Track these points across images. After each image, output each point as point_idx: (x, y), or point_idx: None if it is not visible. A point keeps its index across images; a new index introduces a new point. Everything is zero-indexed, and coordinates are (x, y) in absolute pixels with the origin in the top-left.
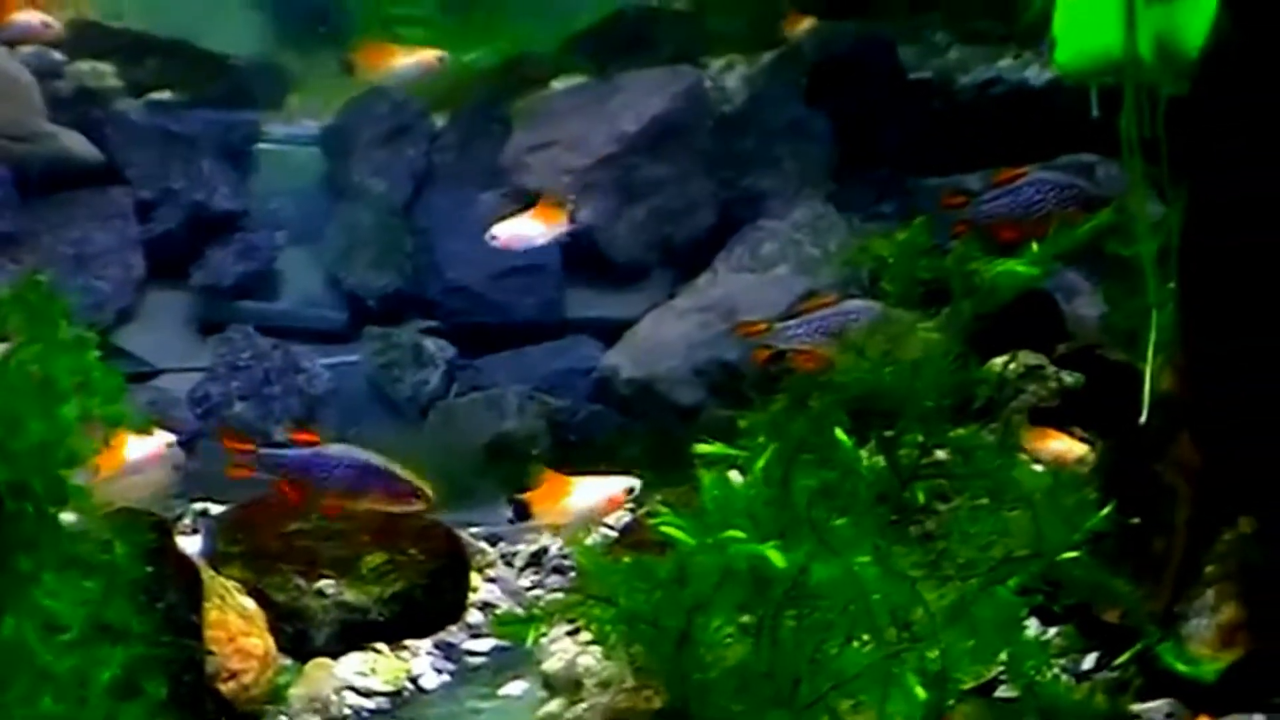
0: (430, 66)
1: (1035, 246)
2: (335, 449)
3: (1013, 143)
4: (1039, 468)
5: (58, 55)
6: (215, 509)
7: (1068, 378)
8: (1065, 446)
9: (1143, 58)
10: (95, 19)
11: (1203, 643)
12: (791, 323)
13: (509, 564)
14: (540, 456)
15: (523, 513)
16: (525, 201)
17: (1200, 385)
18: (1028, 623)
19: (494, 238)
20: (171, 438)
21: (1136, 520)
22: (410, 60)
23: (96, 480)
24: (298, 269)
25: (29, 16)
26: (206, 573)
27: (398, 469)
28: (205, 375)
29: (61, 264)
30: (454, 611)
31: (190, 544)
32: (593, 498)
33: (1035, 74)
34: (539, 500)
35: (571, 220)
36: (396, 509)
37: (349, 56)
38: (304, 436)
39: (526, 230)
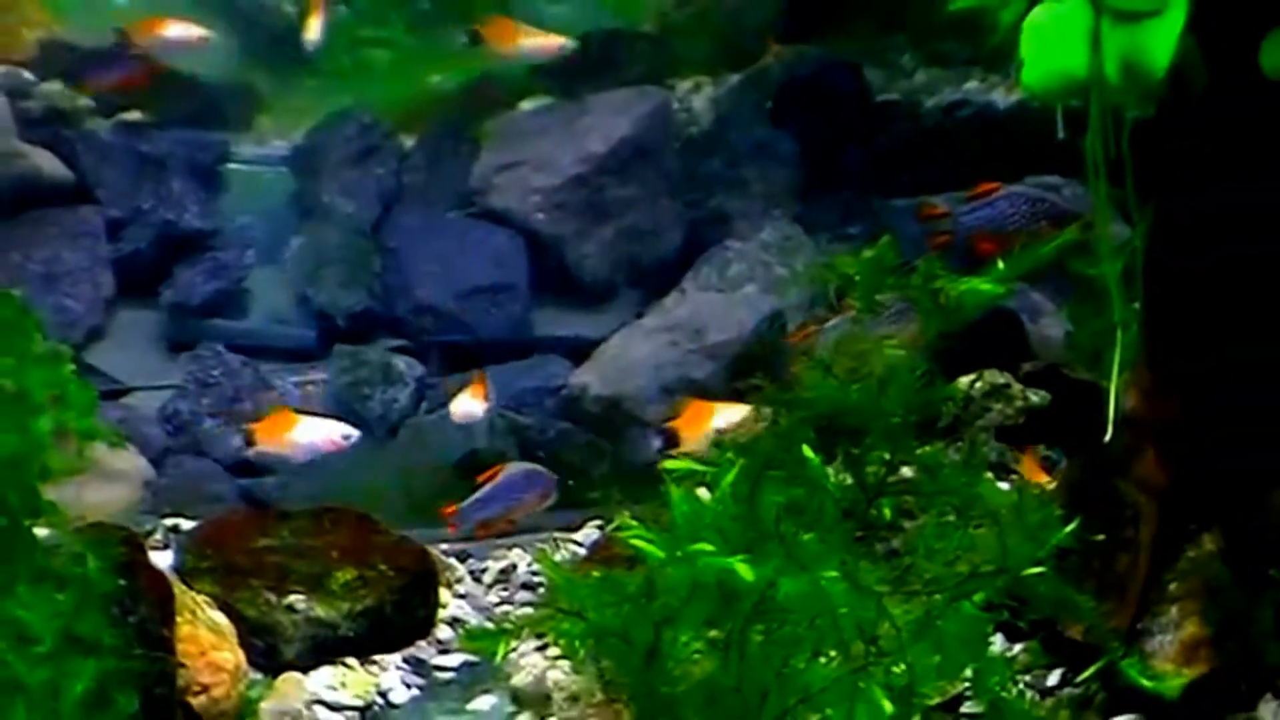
0: (552, 53)
1: (1000, 264)
2: (511, 470)
3: (979, 164)
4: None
5: (28, 75)
6: (186, 524)
7: (1033, 396)
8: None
9: (1108, 79)
10: (66, 39)
11: (1166, 659)
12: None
13: (478, 580)
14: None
15: (672, 440)
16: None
17: (1164, 404)
18: (993, 638)
19: (452, 415)
20: (351, 431)
21: (1101, 537)
22: (535, 43)
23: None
24: (267, 288)
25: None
26: (178, 587)
27: (542, 468)
28: (175, 393)
29: (31, 282)
30: (423, 627)
31: (161, 559)
32: (731, 419)
33: (1001, 96)
34: (684, 426)
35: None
36: (545, 504)
37: (477, 29)
38: (489, 474)
39: (474, 409)
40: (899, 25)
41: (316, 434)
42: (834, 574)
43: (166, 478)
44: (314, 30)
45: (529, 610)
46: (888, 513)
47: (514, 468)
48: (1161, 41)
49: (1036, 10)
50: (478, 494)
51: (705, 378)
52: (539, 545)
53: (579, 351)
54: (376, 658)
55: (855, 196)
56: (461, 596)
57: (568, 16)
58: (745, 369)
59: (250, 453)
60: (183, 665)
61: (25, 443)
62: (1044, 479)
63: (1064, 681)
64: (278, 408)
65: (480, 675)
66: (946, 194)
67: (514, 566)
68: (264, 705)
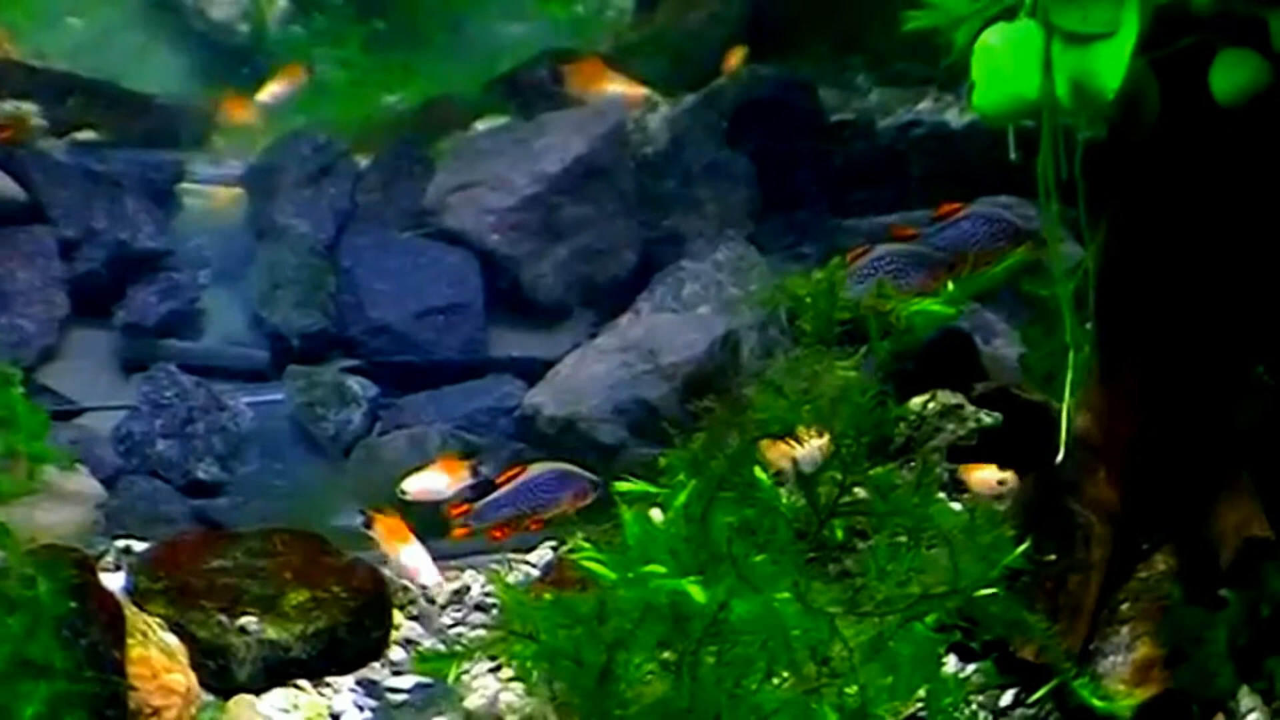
0: (635, 103)
1: (950, 286)
2: (536, 471)
3: (933, 184)
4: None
5: None
6: (138, 546)
7: (986, 417)
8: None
9: (1059, 101)
10: (18, 59)
11: (1118, 679)
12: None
13: (431, 601)
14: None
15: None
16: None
17: (1116, 424)
18: (945, 659)
19: (404, 492)
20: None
21: (1053, 558)
22: (618, 89)
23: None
24: (221, 308)
25: None
26: (129, 609)
27: (577, 469)
28: (128, 413)
29: None
30: (376, 649)
31: (113, 580)
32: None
33: (955, 117)
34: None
35: (475, 473)
36: (580, 505)
37: (562, 67)
38: (510, 473)
39: (434, 484)
40: (854, 46)
41: (417, 564)
42: (786, 595)
43: (119, 499)
44: (269, 94)
45: (482, 632)
46: (840, 534)
47: (542, 468)
48: (1112, 63)
49: (988, 32)
50: (496, 494)
51: (659, 398)
52: (492, 567)
53: (533, 372)
54: (329, 680)
55: (810, 216)
56: (415, 618)
57: (523, 36)
58: (699, 390)
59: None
60: (134, 688)
61: None
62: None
63: (1017, 702)
64: (390, 515)
65: (433, 697)
66: (901, 212)
67: (467, 588)
68: None
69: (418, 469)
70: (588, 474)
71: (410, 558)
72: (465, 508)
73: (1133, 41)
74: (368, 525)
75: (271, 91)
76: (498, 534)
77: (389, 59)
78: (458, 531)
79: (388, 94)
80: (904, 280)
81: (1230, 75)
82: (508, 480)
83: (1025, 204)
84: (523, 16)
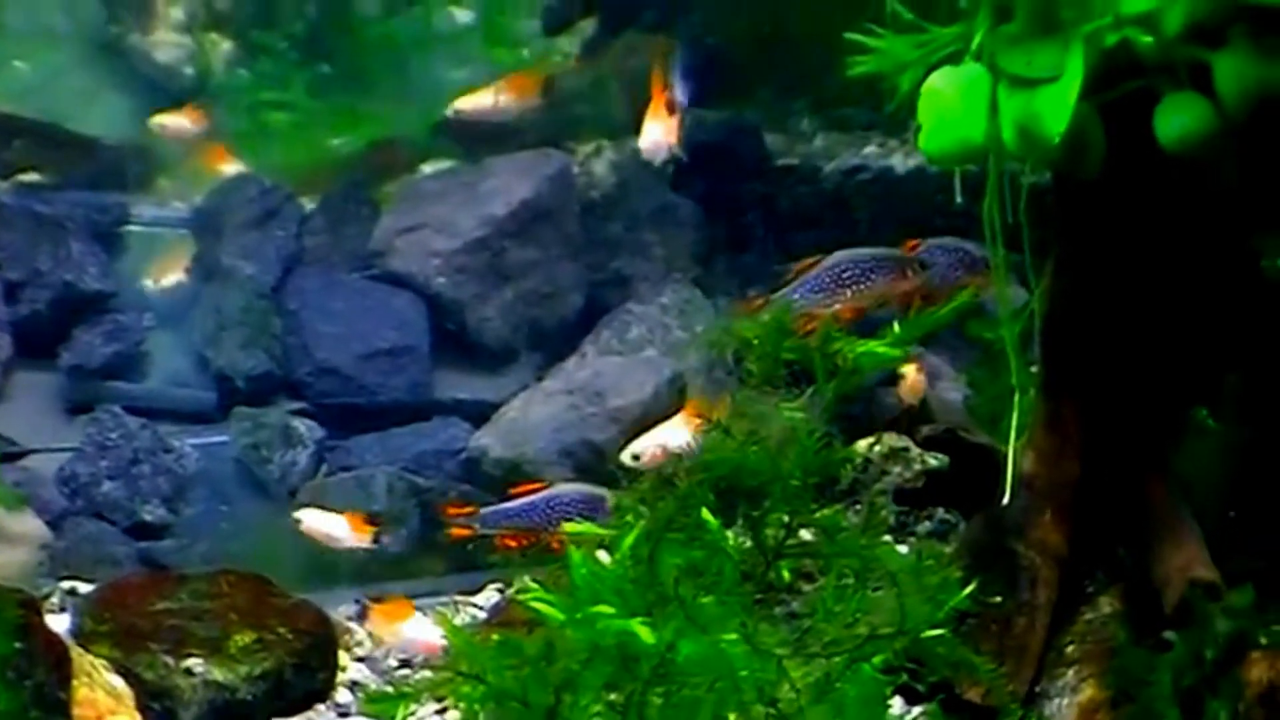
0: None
1: (896, 328)
2: (565, 488)
3: (878, 228)
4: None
5: None
6: (84, 587)
7: (931, 459)
8: None
9: (1005, 145)
10: None
11: None
12: (786, 290)
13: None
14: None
15: None
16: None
17: (1062, 467)
18: (892, 700)
19: (298, 521)
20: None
21: (999, 599)
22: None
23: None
24: (166, 350)
25: None
26: (75, 650)
27: (600, 491)
28: (73, 455)
29: None
30: (322, 690)
31: (59, 622)
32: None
33: (900, 161)
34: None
35: (375, 540)
36: None
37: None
38: (527, 487)
39: (332, 528)
40: (799, 91)
41: (423, 635)
42: (733, 636)
43: (64, 540)
44: (162, 123)
45: (429, 674)
46: (787, 575)
47: (566, 486)
48: (1057, 107)
49: (934, 76)
50: (508, 504)
51: (605, 440)
52: (439, 608)
53: (479, 414)
54: None
55: (755, 260)
56: (361, 660)
57: (468, 81)
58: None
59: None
60: None
61: None
62: None
63: None
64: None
65: None
66: None
67: None
68: None
69: (321, 508)
70: (605, 493)
71: (414, 631)
72: (468, 508)
73: (1077, 86)
74: (363, 616)
75: (163, 122)
76: (510, 543)
77: (334, 102)
78: (455, 532)
79: (333, 137)
80: (866, 284)
81: (1175, 120)
82: (527, 492)
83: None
84: (468, 60)
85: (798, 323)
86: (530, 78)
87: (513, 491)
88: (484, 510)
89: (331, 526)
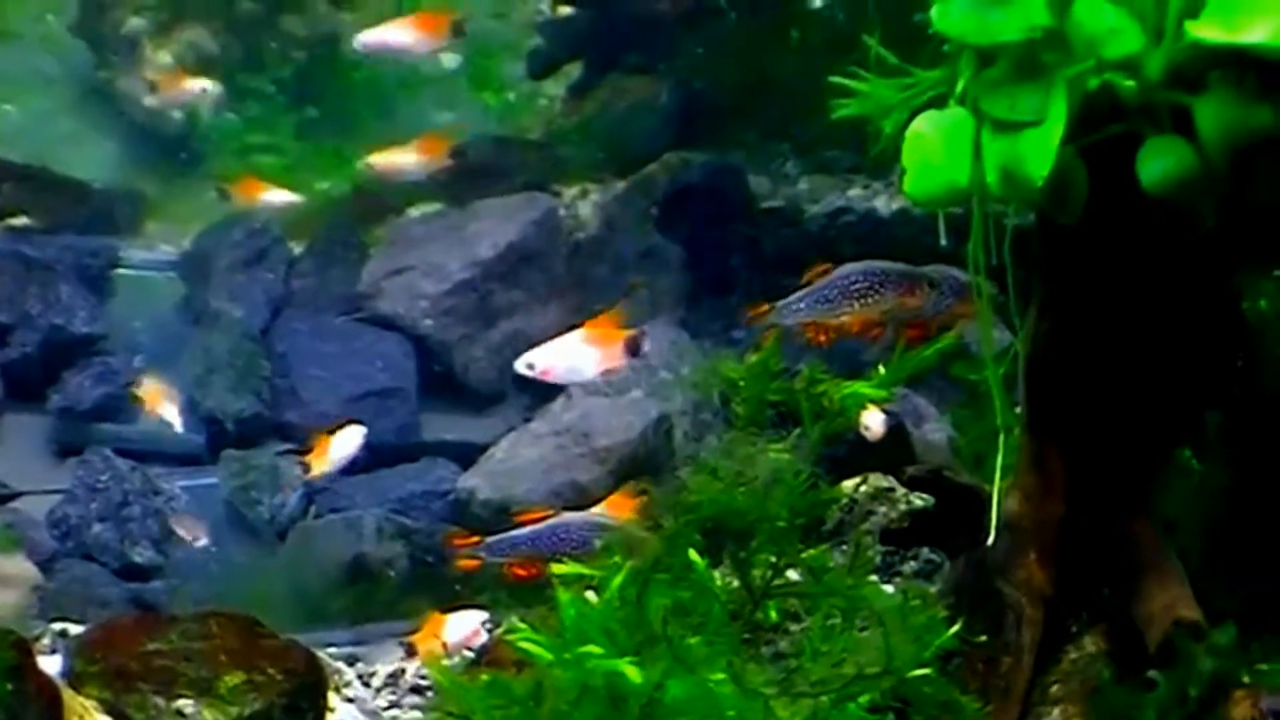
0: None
1: (881, 369)
2: (571, 517)
3: None
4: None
5: None
6: (75, 629)
7: (917, 500)
8: None
9: (990, 188)
10: None
11: None
12: (792, 299)
13: (366, 684)
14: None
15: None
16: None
17: (1046, 507)
18: None
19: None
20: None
21: (984, 639)
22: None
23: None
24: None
25: None
26: (66, 692)
27: (610, 519)
28: (63, 497)
29: None
30: None
31: (50, 663)
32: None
33: (884, 203)
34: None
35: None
36: None
37: None
38: (533, 515)
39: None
40: (783, 134)
41: (465, 627)
42: (721, 676)
43: (55, 582)
44: None
45: (417, 714)
46: (774, 615)
47: (571, 515)
48: (1040, 151)
49: (919, 120)
50: (514, 532)
51: (592, 481)
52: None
53: (467, 456)
54: None
55: (740, 301)
56: (350, 700)
57: (456, 122)
58: (632, 473)
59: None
60: None
61: None
62: None
63: None
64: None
65: None
66: None
67: (403, 670)
68: None
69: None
70: (617, 524)
71: (458, 628)
72: (473, 539)
73: (1061, 129)
74: (410, 653)
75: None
76: (521, 572)
77: (322, 145)
78: (463, 563)
79: (321, 180)
80: (874, 298)
81: (1157, 163)
82: (534, 520)
83: None
84: (455, 103)
85: (804, 332)
86: (440, 138)
87: (518, 520)
88: (489, 540)
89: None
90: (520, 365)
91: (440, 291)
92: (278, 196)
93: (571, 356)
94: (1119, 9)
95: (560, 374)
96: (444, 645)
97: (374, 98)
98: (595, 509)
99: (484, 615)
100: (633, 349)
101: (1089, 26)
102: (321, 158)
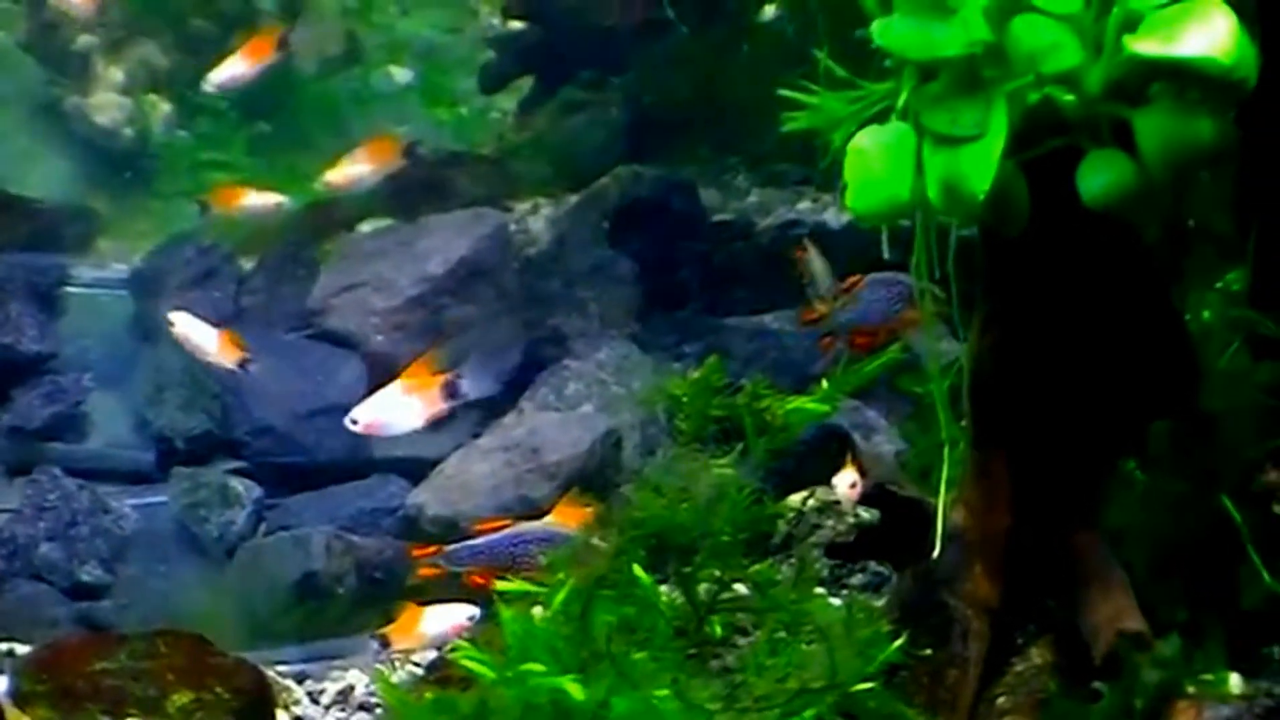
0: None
1: (825, 384)
2: (529, 526)
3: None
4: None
5: None
6: (21, 649)
7: (864, 514)
8: None
9: (931, 202)
10: None
11: None
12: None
13: (315, 701)
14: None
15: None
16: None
17: (992, 519)
18: None
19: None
20: (474, 611)
21: (930, 652)
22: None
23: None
24: (106, 411)
25: None
26: (12, 713)
27: (565, 529)
28: (11, 516)
29: None
30: None
31: None
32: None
33: (834, 216)
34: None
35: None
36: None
37: None
38: (491, 524)
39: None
40: (733, 147)
41: (446, 621)
42: (666, 692)
43: (2, 602)
44: None
45: None
46: (719, 630)
47: (529, 524)
48: (981, 165)
49: (860, 134)
50: (474, 540)
51: (542, 497)
52: (377, 665)
53: (417, 472)
54: None
55: (692, 316)
56: (299, 719)
57: (407, 138)
58: (581, 489)
59: (391, 653)
60: None
61: None
62: None
63: None
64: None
65: None
66: (781, 310)
67: (352, 688)
68: None
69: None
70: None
71: (438, 622)
72: (432, 549)
73: (1001, 143)
74: (385, 644)
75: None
76: (479, 580)
77: (274, 161)
78: (423, 571)
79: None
80: (896, 310)
81: (1097, 177)
82: (491, 530)
83: None
84: (407, 118)
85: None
86: (390, 140)
87: (477, 528)
88: (449, 548)
89: (202, 338)
90: (347, 422)
91: (391, 307)
92: (261, 200)
93: (392, 409)
94: (1058, 24)
95: (384, 427)
96: (421, 638)
97: (326, 113)
98: (544, 519)
99: (474, 610)
100: (450, 392)
101: (1028, 41)
102: (274, 174)
